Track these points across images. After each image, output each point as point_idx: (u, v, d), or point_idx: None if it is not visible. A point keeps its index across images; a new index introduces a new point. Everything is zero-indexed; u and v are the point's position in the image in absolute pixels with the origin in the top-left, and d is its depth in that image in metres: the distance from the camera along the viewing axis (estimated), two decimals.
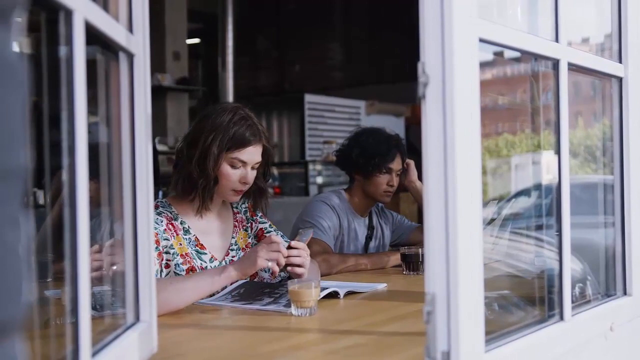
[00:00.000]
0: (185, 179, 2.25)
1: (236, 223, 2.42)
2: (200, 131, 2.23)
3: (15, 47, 0.62)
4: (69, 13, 1.00)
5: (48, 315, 1.35)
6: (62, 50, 1.02)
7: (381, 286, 2.40)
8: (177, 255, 2.19)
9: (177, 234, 2.23)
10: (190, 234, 2.26)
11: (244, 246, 2.41)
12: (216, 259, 2.29)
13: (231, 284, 2.18)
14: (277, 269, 2.08)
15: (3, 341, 0.59)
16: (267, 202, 2.46)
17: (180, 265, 2.19)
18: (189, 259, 2.21)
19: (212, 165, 2.20)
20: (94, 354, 1.09)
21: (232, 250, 2.37)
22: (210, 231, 2.33)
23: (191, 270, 2.20)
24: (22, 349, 0.63)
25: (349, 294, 2.23)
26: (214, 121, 2.22)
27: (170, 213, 2.26)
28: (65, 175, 1.01)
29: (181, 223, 2.26)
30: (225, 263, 2.30)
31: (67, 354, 1.01)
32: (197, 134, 2.24)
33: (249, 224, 2.47)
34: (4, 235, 0.58)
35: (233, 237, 2.39)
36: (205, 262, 2.26)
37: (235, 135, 2.21)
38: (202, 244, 2.28)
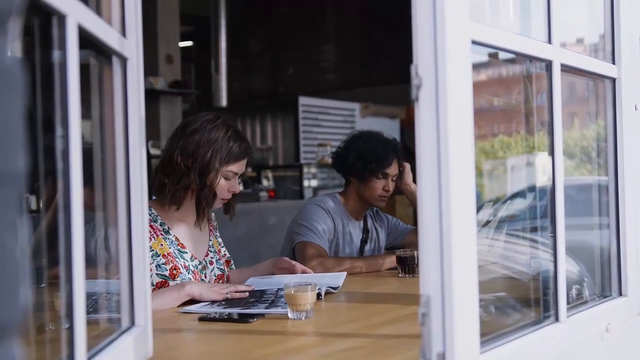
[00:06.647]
0: (182, 190, 2.32)
1: (211, 228, 2.55)
2: (194, 144, 2.30)
3: (12, 52, 0.62)
4: (62, 17, 1.00)
5: (42, 320, 1.35)
6: (55, 55, 1.02)
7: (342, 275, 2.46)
8: (159, 256, 2.28)
9: (158, 236, 2.32)
10: (170, 234, 2.35)
11: (217, 250, 2.54)
12: (196, 258, 2.40)
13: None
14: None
15: (1, 344, 0.59)
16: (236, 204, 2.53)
17: (163, 265, 2.28)
18: (171, 259, 2.31)
19: (212, 180, 2.32)
20: (90, 358, 1.09)
21: (210, 251, 2.49)
22: (189, 234, 2.43)
23: (174, 269, 2.29)
24: (20, 352, 0.64)
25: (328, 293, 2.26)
26: (210, 136, 2.31)
27: (150, 215, 2.31)
28: (59, 180, 1.00)
29: (161, 225, 2.35)
30: (205, 262, 2.44)
31: (63, 359, 1.01)
32: (192, 147, 2.30)
33: (217, 233, 2.59)
34: (3, 239, 0.58)
35: (210, 240, 2.52)
36: (187, 260, 2.36)
37: (232, 150, 2.34)
38: (182, 244, 2.38)
